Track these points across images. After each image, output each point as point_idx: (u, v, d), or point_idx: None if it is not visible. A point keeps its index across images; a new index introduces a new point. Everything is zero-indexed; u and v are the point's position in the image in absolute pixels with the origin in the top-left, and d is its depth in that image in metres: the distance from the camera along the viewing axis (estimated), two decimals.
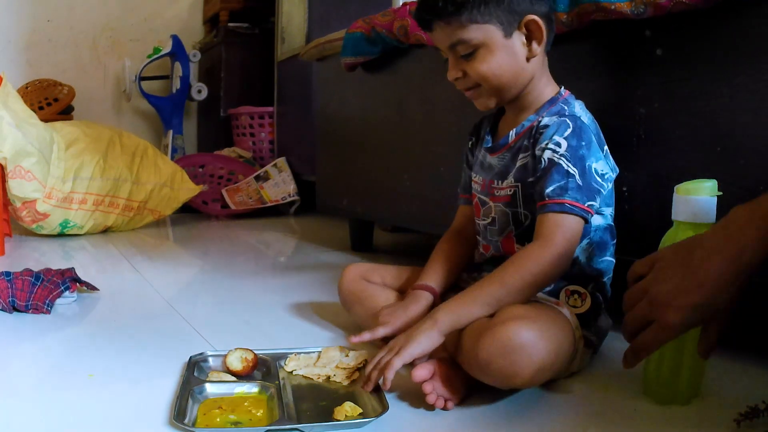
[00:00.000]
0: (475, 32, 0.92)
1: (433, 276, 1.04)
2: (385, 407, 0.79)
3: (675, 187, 0.81)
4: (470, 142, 1.13)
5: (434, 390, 0.81)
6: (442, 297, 1.02)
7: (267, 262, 1.98)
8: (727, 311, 0.68)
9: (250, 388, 0.86)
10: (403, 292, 1.09)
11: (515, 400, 0.86)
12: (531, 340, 0.77)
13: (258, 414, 0.80)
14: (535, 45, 0.95)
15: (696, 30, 0.96)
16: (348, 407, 0.79)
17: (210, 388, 0.85)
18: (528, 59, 0.96)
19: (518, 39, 0.94)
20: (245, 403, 0.82)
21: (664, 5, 0.95)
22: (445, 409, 0.82)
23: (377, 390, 0.83)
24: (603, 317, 0.98)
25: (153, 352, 1.06)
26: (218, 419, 0.78)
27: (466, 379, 0.85)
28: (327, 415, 0.79)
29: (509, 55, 0.94)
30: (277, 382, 0.87)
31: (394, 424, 0.78)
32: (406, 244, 2.22)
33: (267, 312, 1.31)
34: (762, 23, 0.89)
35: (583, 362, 0.95)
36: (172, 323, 1.23)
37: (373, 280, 1.14)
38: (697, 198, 0.79)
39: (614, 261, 1.01)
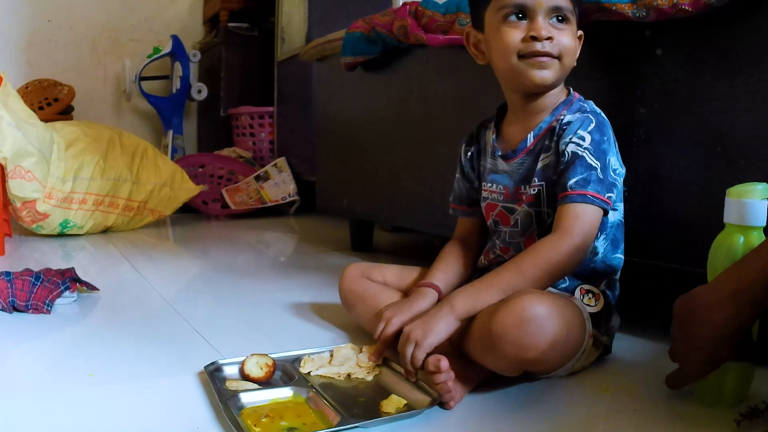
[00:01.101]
0: (571, 8, 0.95)
1: (440, 277, 1.05)
2: (433, 396, 0.81)
3: (727, 190, 0.81)
4: (468, 153, 1.11)
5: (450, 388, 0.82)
6: None
7: (267, 262, 1.98)
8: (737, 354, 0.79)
9: (285, 393, 0.85)
10: (406, 293, 1.08)
11: (518, 399, 0.86)
12: (544, 313, 0.79)
13: (309, 417, 0.78)
14: (579, 47, 0.98)
15: (696, 30, 0.96)
16: (395, 399, 0.81)
17: (244, 398, 0.82)
18: None
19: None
20: (287, 409, 0.80)
21: (666, 11, 0.95)
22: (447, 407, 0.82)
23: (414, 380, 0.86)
24: (614, 317, 0.99)
25: (153, 352, 1.06)
26: (269, 426, 0.76)
27: (470, 375, 0.86)
28: (375, 410, 0.80)
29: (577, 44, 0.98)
30: (310, 384, 0.87)
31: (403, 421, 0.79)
32: (406, 244, 2.22)
33: (267, 312, 1.31)
34: (762, 24, 0.89)
35: (588, 361, 0.95)
36: (172, 323, 1.23)
37: (375, 279, 1.13)
38: (747, 201, 0.78)
39: (623, 258, 1.01)
